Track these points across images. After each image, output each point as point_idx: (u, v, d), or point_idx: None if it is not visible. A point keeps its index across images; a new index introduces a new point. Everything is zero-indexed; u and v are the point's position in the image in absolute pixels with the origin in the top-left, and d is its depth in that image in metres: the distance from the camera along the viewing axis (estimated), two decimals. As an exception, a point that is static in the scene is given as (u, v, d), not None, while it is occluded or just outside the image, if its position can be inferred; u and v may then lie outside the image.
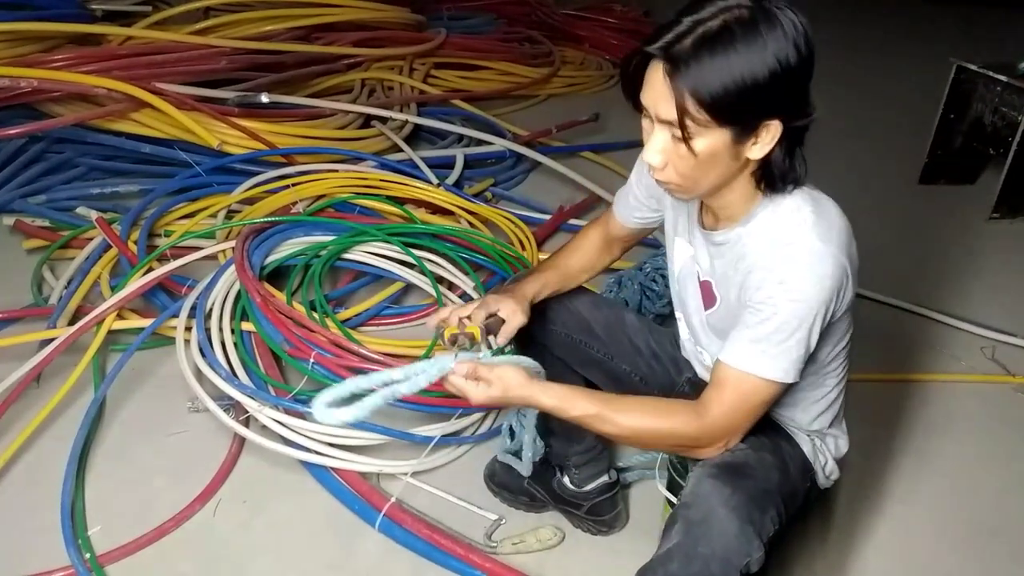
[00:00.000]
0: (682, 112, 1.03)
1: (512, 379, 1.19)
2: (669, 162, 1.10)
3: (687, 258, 1.33)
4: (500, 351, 1.33)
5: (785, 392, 1.21)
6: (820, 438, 1.37)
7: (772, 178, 1.13)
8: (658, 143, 1.09)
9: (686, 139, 1.06)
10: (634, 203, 1.44)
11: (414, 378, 1.16)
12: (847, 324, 1.26)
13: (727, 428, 1.17)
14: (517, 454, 1.72)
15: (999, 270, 2.83)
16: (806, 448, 1.34)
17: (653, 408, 1.20)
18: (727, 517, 1.09)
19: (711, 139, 1.06)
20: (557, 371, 1.53)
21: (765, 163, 1.11)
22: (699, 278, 1.31)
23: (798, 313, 1.10)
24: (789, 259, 1.11)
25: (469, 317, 1.31)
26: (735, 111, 1.03)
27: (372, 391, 1.13)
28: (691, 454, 1.21)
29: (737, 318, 1.18)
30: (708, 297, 1.30)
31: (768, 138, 1.07)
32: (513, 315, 1.34)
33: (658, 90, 1.05)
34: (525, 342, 1.52)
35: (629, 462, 1.77)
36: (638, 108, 1.11)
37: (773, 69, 1.01)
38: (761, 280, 1.12)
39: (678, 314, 1.43)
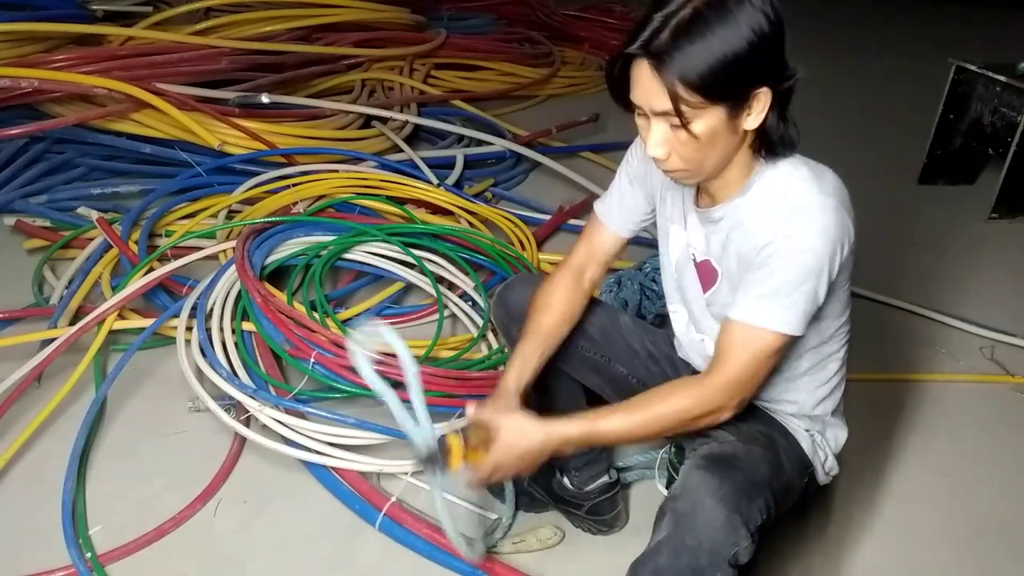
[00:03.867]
0: (676, 100, 1.07)
1: (514, 441, 1.21)
2: (672, 151, 1.14)
3: (682, 245, 1.34)
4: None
5: (790, 369, 1.26)
6: (821, 431, 1.38)
7: (771, 143, 1.16)
8: (658, 135, 1.13)
9: (685, 124, 1.09)
10: (630, 204, 1.42)
11: (401, 410, 1.22)
12: (846, 297, 1.28)
13: (738, 384, 1.18)
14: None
15: (998, 270, 2.83)
16: (805, 445, 1.35)
17: (669, 391, 1.21)
18: (714, 508, 1.10)
19: (708, 119, 1.09)
20: (554, 377, 1.53)
21: (762, 131, 1.14)
22: (695, 261, 1.32)
23: (806, 264, 1.12)
24: (793, 211, 1.13)
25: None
26: (725, 87, 1.07)
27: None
28: (712, 420, 1.21)
29: (739, 289, 1.20)
30: (708, 277, 1.31)
31: (760, 106, 1.11)
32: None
33: (647, 86, 1.08)
34: None
35: (629, 462, 1.78)
36: (629, 108, 1.14)
37: (751, 40, 1.05)
38: (766, 237, 1.14)
39: (674, 307, 1.43)
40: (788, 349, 1.20)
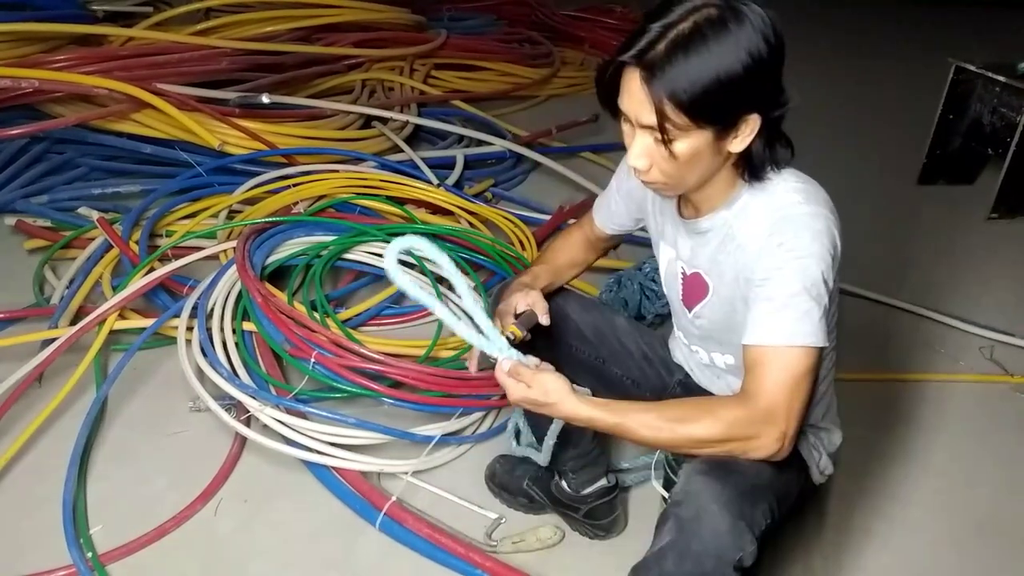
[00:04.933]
0: (662, 117, 1.04)
1: (551, 384, 1.15)
2: (653, 164, 1.12)
3: (670, 260, 1.35)
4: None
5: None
6: (815, 433, 1.38)
7: (754, 168, 1.15)
8: (640, 147, 1.11)
9: (667, 142, 1.07)
10: (615, 209, 1.46)
11: (459, 321, 1.20)
12: (832, 308, 1.25)
13: (779, 410, 1.09)
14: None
15: (997, 270, 2.83)
16: (800, 446, 1.35)
17: (701, 409, 1.12)
18: (718, 513, 1.09)
19: (692, 140, 1.07)
20: None
21: (746, 154, 1.13)
22: (683, 275, 1.32)
23: (807, 270, 1.10)
24: (784, 222, 1.12)
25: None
26: (714, 111, 1.04)
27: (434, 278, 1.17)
28: (750, 452, 1.12)
29: (732, 305, 1.19)
30: (697, 290, 1.30)
31: (748, 131, 1.09)
32: (536, 303, 1.38)
33: (636, 97, 1.06)
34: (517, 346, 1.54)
35: (630, 463, 1.77)
36: (616, 114, 1.12)
37: (747, 64, 1.02)
38: (760, 250, 1.13)
39: (674, 318, 1.45)
40: (818, 363, 1.12)
